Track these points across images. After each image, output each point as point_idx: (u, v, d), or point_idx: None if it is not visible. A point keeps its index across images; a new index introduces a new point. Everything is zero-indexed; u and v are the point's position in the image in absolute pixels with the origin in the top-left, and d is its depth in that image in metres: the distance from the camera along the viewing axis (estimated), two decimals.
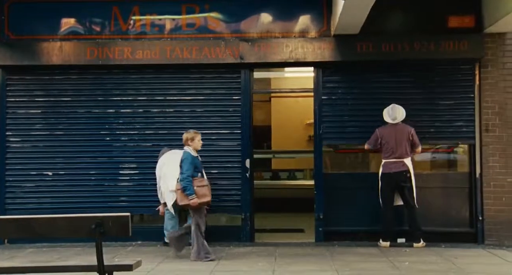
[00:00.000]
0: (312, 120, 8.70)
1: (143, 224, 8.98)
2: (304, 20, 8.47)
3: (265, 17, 8.50)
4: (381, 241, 7.90)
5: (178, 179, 6.94)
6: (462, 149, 8.76)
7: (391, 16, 8.26)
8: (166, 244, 7.87)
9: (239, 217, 8.41)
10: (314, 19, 8.44)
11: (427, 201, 8.26)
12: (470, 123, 8.35)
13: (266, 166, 12.45)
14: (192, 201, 6.74)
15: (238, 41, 8.37)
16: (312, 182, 8.67)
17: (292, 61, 8.41)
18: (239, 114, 8.51)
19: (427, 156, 9.03)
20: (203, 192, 6.81)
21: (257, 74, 8.84)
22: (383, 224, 7.97)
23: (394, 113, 7.97)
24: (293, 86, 9.82)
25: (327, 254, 7.33)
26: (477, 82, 8.30)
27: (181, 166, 6.91)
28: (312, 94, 8.59)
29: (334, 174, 8.61)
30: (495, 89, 8.20)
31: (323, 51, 8.30)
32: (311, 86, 8.58)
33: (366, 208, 8.25)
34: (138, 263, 4.61)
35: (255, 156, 8.88)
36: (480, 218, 8.13)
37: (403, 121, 7.99)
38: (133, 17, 8.55)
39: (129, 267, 4.47)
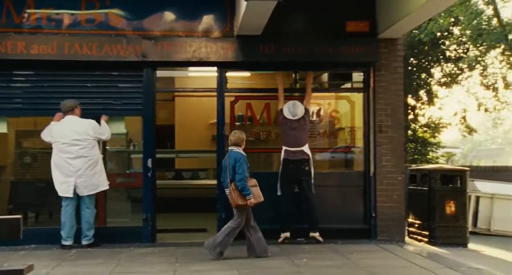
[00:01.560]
0: (215, 120, 8.73)
1: (38, 226, 8.61)
2: (207, 20, 8.48)
3: (169, 16, 8.42)
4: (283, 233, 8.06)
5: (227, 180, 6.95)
6: (358, 149, 9.14)
7: (294, 19, 8.46)
8: (63, 246, 7.61)
9: (140, 218, 8.28)
10: (218, 19, 8.47)
11: (324, 199, 8.54)
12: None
13: (170, 165, 12.34)
14: (250, 201, 6.84)
15: (140, 39, 8.23)
16: (215, 182, 8.70)
17: (195, 60, 8.39)
18: (141, 113, 8.38)
19: (326, 156, 9.35)
20: (258, 192, 6.97)
21: (161, 73, 8.73)
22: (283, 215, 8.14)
23: (295, 110, 8.17)
24: (197, 86, 9.80)
25: (228, 253, 7.37)
26: (371, 85, 8.69)
27: (233, 167, 6.89)
28: (215, 93, 8.62)
29: None
30: (388, 92, 8.63)
31: (226, 51, 8.36)
32: (215, 85, 8.62)
33: (267, 207, 8.36)
34: (30, 268, 4.40)
35: (158, 155, 8.77)
36: (373, 215, 8.53)
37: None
38: (28, 10, 8.16)
39: (19, 272, 4.25)
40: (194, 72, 10.07)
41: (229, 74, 8.68)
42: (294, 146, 8.21)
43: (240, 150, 7.13)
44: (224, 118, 8.57)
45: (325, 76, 9.93)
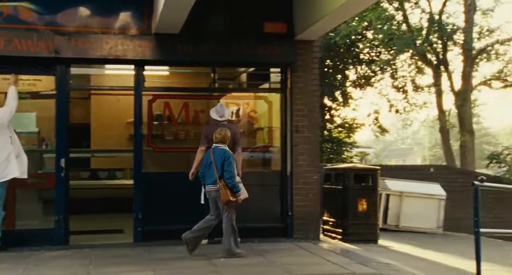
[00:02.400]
0: (133, 119, 8.57)
1: None
2: (124, 17, 8.31)
3: (84, 11, 8.18)
4: None
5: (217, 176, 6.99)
6: (276, 149, 9.28)
7: (213, 19, 8.47)
8: None
9: (52, 219, 7.98)
10: (135, 16, 8.32)
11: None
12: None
13: (85, 165, 11.97)
14: (239, 197, 7.00)
15: (53, 34, 7.93)
16: (132, 182, 8.54)
17: (111, 58, 8.19)
18: (54, 111, 8.08)
19: (244, 155, 9.42)
20: (243, 189, 7.21)
21: (76, 70, 8.46)
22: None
23: (222, 111, 8.11)
24: (114, 84, 9.59)
25: (145, 254, 7.28)
26: (288, 86, 8.86)
27: (222, 165, 6.96)
28: (133, 92, 8.47)
29: (154, 173, 8.59)
30: (304, 92, 8.83)
31: (143, 49, 8.23)
32: (132, 84, 8.46)
33: (186, 207, 8.33)
34: None
35: (72, 155, 8.51)
36: (290, 213, 8.70)
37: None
38: None
39: None
40: (111, 69, 9.85)
41: (147, 72, 8.55)
42: None
43: (226, 147, 7.19)
44: (141, 117, 8.44)
45: (243, 76, 10.02)
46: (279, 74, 9.02)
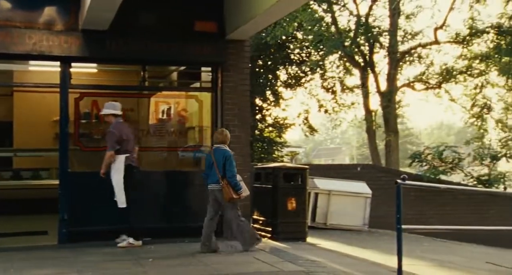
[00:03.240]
0: (59, 117, 8.31)
1: None
2: (50, 12, 8.06)
3: (5, 4, 7.87)
4: (132, 240, 7.84)
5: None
6: (207, 148, 9.26)
7: (143, 16, 8.36)
8: None
9: None
10: (61, 12, 8.09)
11: (173, 198, 8.55)
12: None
13: (7, 165, 11.50)
14: (241, 195, 7.35)
15: None
16: (58, 182, 8.29)
17: (36, 53, 7.93)
18: None
19: (176, 154, 9.37)
20: (244, 187, 7.51)
21: None
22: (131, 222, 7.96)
23: (116, 106, 7.90)
24: (39, 81, 9.25)
25: (71, 256, 7.08)
26: (219, 85, 8.87)
27: (223, 164, 7.29)
28: (58, 89, 8.22)
29: (80, 173, 8.37)
30: (235, 92, 8.88)
31: (70, 46, 8.01)
32: (58, 81, 8.21)
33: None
34: None
35: None
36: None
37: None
38: None
39: None
40: (35, 66, 9.51)
41: (73, 69, 8.33)
42: (133, 150, 7.97)
43: (227, 147, 7.54)
44: (68, 115, 8.21)
45: (174, 75, 9.94)
46: (210, 73, 9.01)
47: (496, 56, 17.25)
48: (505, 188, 10.30)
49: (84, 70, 8.97)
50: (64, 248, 7.68)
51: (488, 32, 17.87)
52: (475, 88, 19.25)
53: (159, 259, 6.89)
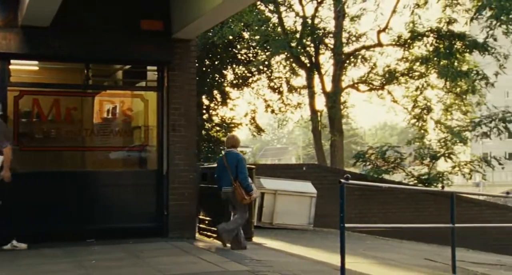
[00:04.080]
0: None
1: None
2: None
3: None
4: (14, 242, 7.49)
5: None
6: (152, 147, 9.17)
7: (87, 13, 8.19)
8: None
9: None
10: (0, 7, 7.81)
11: (118, 198, 8.42)
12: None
13: None
14: (253, 196, 7.78)
15: None
16: None
17: None
18: None
19: (121, 154, 9.22)
20: (255, 188, 7.95)
21: None
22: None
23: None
24: None
25: (9, 259, 6.85)
26: (165, 84, 8.79)
27: (236, 166, 7.67)
28: None
29: (19, 173, 8.09)
30: (182, 91, 8.81)
31: (9, 42, 7.77)
32: None
33: (56, 207, 8.01)
34: None
35: None
36: (166, 213, 8.64)
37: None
38: None
39: None
40: None
41: (13, 66, 8.07)
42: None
43: (238, 151, 8.01)
44: (6, 114, 7.92)
45: (119, 74, 9.78)
46: (156, 73, 8.92)
47: (435, 59, 17.81)
48: (442, 187, 10.67)
49: (24, 68, 8.69)
50: (1, 251, 7.42)
51: (428, 36, 18.43)
52: (416, 90, 19.82)
53: (103, 260, 6.77)
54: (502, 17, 16.15)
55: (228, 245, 7.86)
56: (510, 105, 20.66)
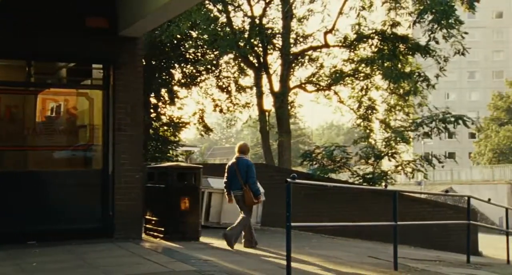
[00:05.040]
0: None
1: None
2: None
3: None
4: None
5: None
6: (97, 147, 9.00)
7: (30, 9, 7.97)
8: None
9: None
10: None
11: (60, 199, 8.23)
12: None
13: None
14: (260, 199, 8.76)
15: None
16: None
17: None
18: None
19: (64, 154, 9.02)
20: (262, 192, 8.95)
21: None
22: None
23: None
24: None
25: None
26: (111, 83, 8.64)
27: (246, 172, 8.40)
28: None
29: None
30: (128, 90, 8.69)
31: None
32: None
33: None
34: None
35: None
36: (111, 213, 8.50)
37: None
38: None
39: None
40: None
41: None
42: None
43: (248, 157, 8.78)
44: None
45: (63, 71, 9.55)
46: (102, 71, 8.76)
47: (380, 60, 18.23)
48: (386, 186, 10.94)
49: None
50: None
51: (372, 38, 18.84)
52: (361, 91, 20.23)
53: (45, 263, 6.60)
54: (442, 22, 16.69)
55: (235, 248, 8.25)
56: (450, 106, 21.32)
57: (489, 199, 12.22)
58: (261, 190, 8.74)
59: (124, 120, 8.63)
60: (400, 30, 18.85)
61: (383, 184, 13.70)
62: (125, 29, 8.33)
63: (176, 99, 21.33)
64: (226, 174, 8.78)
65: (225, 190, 8.93)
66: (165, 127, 21.79)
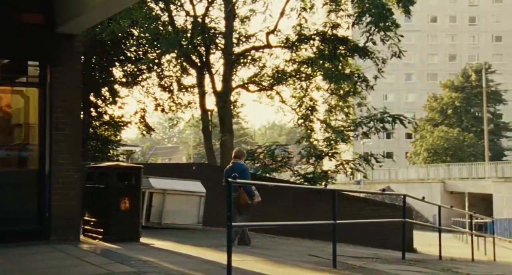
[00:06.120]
0: None
1: None
2: None
3: None
4: None
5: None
6: (33, 146, 8.73)
7: None
8: None
9: None
10: None
11: None
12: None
13: None
14: (255, 200, 9.25)
15: None
16: None
17: None
18: None
19: (0, 153, 8.71)
20: (257, 194, 9.31)
21: None
22: None
23: None
24: None
25: None
26: (48, 81, 8.40)
27: (242, 176, 8.70)
28: None
29: None
30: (66, 88, 8.46)
31: None
32: None
33: None
34: None
35: None
36: (47, 214, 8.27)
37: None
38: None
39: None
40: None
41: None
42: None
43: (242, 162, 9.50)
44: None
45: None
46: (38, 68, 8.51)
47: (321, 61, 18.54)
48: (326, 185, 11.15)
49: None
50: None
51: (314, 39, 19.13)
52: (302, 91, 20.50)
53: None
54: (380, 24, 17.15)
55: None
56: (388, 107, 21.95)
57: (424, 198, 12.67)
58: (256, 193, 9.32)
59: (62, 119, 8.41)
60: (340, 32, 19.22)
61: (324, 183, 13.94)
62: (63, 26, 8.11)
63: (117, 98, 20.98)
64: (224, 178, 9.33)
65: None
66: (106, 127, 21.40)
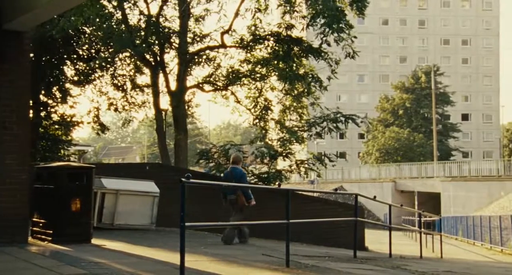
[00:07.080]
0: None
1: None
2: None
3: None
4: None
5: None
6: None
7: None
8: None
9: None
10: None
11: None
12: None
13: None
14: (251, 203, 10.01)
15: None
16: None
17: None
18: None
19: None
20: (253, 197, 10.08)
21: None
22: None
23: None
24: None
25: None
26: None
27: (239, 180, 9.86)
28: None
29: None
30: (13, 87, 8.26)
31: None
32: None
33: None
34: None
35: None
36: None
37: None
38: None
39: None
40: None
41: None
42: None
43: (240, 167, 10.37)
44: None
45: None
46: None
47: (275, 62, 18.64)
48: (279, 185, 11.21)
49: None
50: None
51: (268, 39, 19.21)
52: (257, 91, 20.55)
53: None
54: (333, 26, 17.37)
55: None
56: (341, 107, 22.24)
57: (375, 197, 12.91)
58: (252, 196, 10.08)
59: (9, 118, 8.19)
60: (294, 33, 19.36)
61: (277, 183, 14.02)
62: (10, 22, 7.89)
63: (68, 97, 20.53)
64: (222, 193, 10.17)
65: (221, 195, 10.18)
66: (56, 126, 20.92)
